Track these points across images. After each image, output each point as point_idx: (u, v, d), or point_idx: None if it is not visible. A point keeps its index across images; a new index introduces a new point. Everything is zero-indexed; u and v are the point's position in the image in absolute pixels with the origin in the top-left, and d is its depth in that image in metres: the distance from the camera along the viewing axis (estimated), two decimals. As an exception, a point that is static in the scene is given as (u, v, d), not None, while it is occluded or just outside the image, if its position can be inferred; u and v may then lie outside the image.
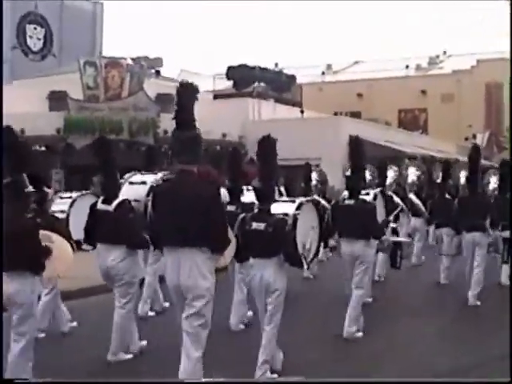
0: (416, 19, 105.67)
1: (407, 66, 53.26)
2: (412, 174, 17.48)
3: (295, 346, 8.67)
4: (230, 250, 7.29)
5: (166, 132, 25.24)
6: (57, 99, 26.26)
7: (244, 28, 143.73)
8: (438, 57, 56.39)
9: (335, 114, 41.41)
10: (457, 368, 8.03)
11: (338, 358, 8.69)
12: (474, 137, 44.24)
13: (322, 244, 10.66)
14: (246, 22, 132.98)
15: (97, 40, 49.29)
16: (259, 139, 7.69)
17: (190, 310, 6.38)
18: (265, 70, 35.22)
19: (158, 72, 31.69)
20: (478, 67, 48.44)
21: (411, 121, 50.63)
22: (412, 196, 16.33)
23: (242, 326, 10.04)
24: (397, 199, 14.80)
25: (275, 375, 7.68)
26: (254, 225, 7.59)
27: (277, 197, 8.44)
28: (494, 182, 14.22)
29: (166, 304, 10.71)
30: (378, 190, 11.47)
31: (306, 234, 7.91)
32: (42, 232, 7.16)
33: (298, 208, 7.85)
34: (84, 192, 11.49)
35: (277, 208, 7.78)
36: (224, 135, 27.10)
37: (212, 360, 6.63)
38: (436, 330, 10.24)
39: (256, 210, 7.88)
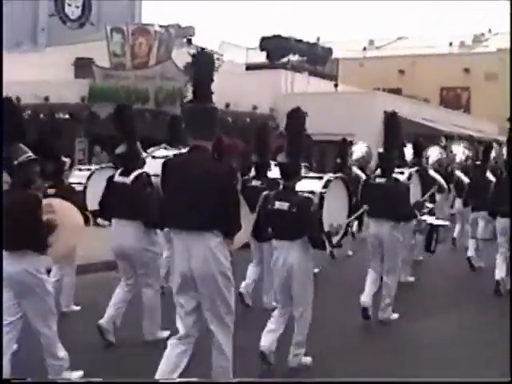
0: (444, 17, 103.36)
1: (451, 44, 52.02)
2: (460, 153, 17.16)
3: (320, 332, 8.32)
4: (242, 236, 6.83)
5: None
6: (83, 66, 25.85)
7: (287, 2, 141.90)
8: (483, 35, 54.95)
9: (376, 90, 40.11)
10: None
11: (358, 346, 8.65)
12: None
13: (357, 222, 10.34)
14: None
15: (136, 8, 48.73)
16: (288, 112, 7.37)
17: (210, 301, 6.00)
18: (300, 41, 34.16)
19: (189, 41, 30.97)
20: (523, 46, 46.93)
21: (453, 99, 49.41)
22: (459, 173, 15.88)
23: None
24: (439, 178, 14.86)
25: (309, 358, 7.52)
26: (277, 204, 7.20)
27: (306, 172, 8.36)
28: None
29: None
30: (414, 169, 11.06)
31: (334, 213, 7.67)
32: (45, 201, 6.74)
33: (325, 186, 7.63)
34: (103, 165, 11.13)
35: (303, 185, 7.46)
36: (254, 107, 26.28)
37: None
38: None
39: (280, 188, 7.45)
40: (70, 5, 45.79)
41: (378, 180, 9.61)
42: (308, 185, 7.60)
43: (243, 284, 9.97)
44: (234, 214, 6.02)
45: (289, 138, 7.39)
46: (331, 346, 8.31)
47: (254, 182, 9.85)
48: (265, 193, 7.54)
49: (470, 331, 9.37)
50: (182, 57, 27.14)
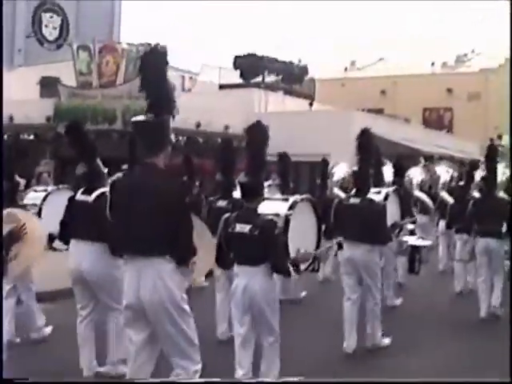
0: (444, 17, 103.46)
1: (433, 64, 51.83)
2: (444, 173, 16.90)
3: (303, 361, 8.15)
4: (206, 262, 6.48)
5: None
6: (48, 85, 25.10)
7: (266, 22, 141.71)
8: (465, 55, 54.76)
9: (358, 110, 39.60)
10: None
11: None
12: (500, 137, 42.75)
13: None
14: (269, 16, 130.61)
15: (114, 30, 48.19)
16: (247, 126, 6.84)
17: (165, 335, 5.42)
18: (275, 60, 33.39)
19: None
20: (506, 66, 46.64)
21: (436, 120, 49.41)
22: (444, 194, 15.44)
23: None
24: (425, 197, 14.90)
25: None
26: (238, 227, 6.66)
27: (281, 193, 8.59)
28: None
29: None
30: (392, 188, 10.75)
31: (302, 237, 7.28)
32: (7, 211, 6.61)
33: (291, 207, 7.24)
34: (61, 186, 10.63)
35: (267, 207, 7.01)
36: (226, 127, 25.39)
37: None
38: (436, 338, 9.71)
39: (241, 210, 6.91)
40: (47, 26, 44.80)
41: (351, 200, 9.12)
42: (273, 207, 7.18)
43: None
44: (185, 236, 5.40)
45: (248, 155, 6.81)
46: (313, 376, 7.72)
47: (220, 203, 9.34)
48: (226, 215, 6.98)
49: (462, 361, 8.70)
50: None
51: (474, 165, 14.76)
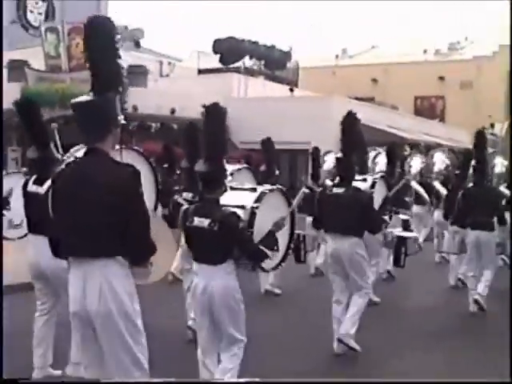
0: (437, 4, 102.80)
1: (425, 51, 50.99)
2: (439, 162, 16.56)
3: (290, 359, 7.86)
4: (166, 260, 5.70)
5: (135, 108, 23.01)
6: (16, 69, 24.01)
7: (258, 8, 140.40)
8: (459, 42, 54.01)
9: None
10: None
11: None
12: (492, 126, 42.26)
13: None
14: (259, 2, 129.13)
15: (101, 13, 47.03)
16: (205, 108, 5.98)
17: (110, 348, 4.59)
18: (255, 43, 32.20)
19: (137, 43, 29.23)
20: (500, 53, 46.02)
21: (428, 108, 48.73)
22: (437, 184, 14.90)
23: None
24: (420, 189, 14.69)
25: None
26: (196, 220, 5.91)
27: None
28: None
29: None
30: (379, 175, 10.15)
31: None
32: None
33: (258, 199, 6.30)
34: (11, 171, 9.81)
35: (231, 199, 6.17)
36: (203, 114, 24.26)
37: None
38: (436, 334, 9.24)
39: (200, 201, 6.19)
40: (32, 11, 43.96)
41: (335, 190, 8.40)
42: (238, 198, 6.29)
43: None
44: (143, 232, 4.57)
45: (206, 140, 6.05)
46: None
47: (185, 194, 8.38)
48: (184, 207, 6.27)
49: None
50: (125, 59, 25.80)
51: (468, 154, 13.55)
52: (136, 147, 7.07)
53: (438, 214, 14.35)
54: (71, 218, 4.57)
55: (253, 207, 6.17)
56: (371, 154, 14.00)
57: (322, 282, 11.93)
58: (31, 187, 6.97)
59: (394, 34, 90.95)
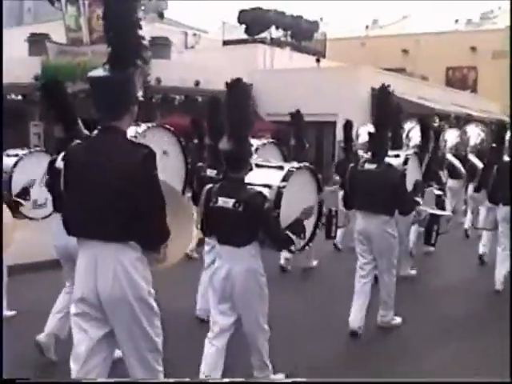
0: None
1: (457, 21, 49.99)
2: (474, 135, 16.38)
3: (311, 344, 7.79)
4: (182, 243, 5.28)
5: (159, 81, 22.68)
6: (37, 43, 23.74)
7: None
8: (492, 11, 52.71)
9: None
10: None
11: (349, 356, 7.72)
12: None
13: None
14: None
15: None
16: (228, 83, 5.85)
17: (125, 334, 4.52)
18: (282, 14, 31.37)
19: (161, 14, 28.76)
20: (533, 23, 44.74)
21: (460, 79, 47.60)
22: (472, 158, 15.00)
23: None
24: (457, 163, 14.84)
25: None
26: (221, 201, 5.78)
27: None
28: None
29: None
30: (412, 151, 9.89)
31: (298, 213, 6.14)
32: None
33: (285, 178, 6.11)
34: (33, 149, 9.67)
35: (257, 177, 6.05)
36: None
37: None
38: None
39: (225, 181, 6.05)
40: (58, -15, 43.72)
41: (366, 166, 8.20)
42: (264, 176, 6.12)
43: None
44: (155, 218, 4.46)
45: (230, 117, 5.84)
46: (322, 360, 7.30)
47: (209, 171, 8.24)
48: (208, 186, 6.07)
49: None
50: (148, 30, 25.36)
51: (503, 126, 13.45)
52: (168, 126, 7.17)
53: (471, 189, 14.09)
54: (82, 197, 4.46)
55: (279, 186, 5.97)
56: (406, 127, 13.70)
57: (343, 257, 12.00)
58: (60, 164, 6.55)
59: (425, 4, 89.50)
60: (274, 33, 30.67)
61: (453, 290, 10.88)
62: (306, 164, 6.73)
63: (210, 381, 5.75)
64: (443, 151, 15.11)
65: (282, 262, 11.61)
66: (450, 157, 15.10)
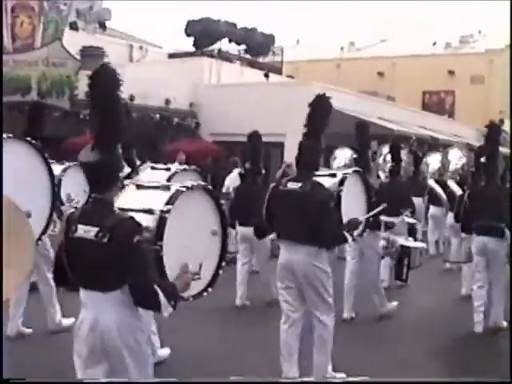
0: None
1: (434, 43, 48.88)
2: (455, 160, 15.78)
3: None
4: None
5: (87, 94, 20.85)
6: (-44, 52, 22.01)
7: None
8: (471, 36, 51.65)
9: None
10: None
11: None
12: (502, 122, 39.93)
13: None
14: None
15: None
16: (91, 75, 4.75)
17: None
18: (233, 25, 29.60)
19: (102, 25, 26.98)
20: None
21: (436, 104, 46.70)
22: (452, 184, 13.91)
23: None
24: (438, 189, 14.19)
25: None
26: (81, 229, 4.51)
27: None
28: None
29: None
30: (351, 170, 8.11)
31: (192, 247, 4.96)
32: None
33: (170, 201, 4.94)
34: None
35: (135, 200, 5.09)
36: (167, 101, 22.11)
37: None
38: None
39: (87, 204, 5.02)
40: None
41: (290, 185, 6.83)
42: (145, 200, 5.04)
43: None
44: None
45: (92, 118, 4.78)
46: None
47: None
48: (70, 211, 4.85)
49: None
50: (74, 39, 23.79)
51: (479, 150, 12.28)
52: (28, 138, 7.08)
53: (451, 217, 12.96)
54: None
55: (162, 211, 4.79)
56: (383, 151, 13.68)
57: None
58: None
59: (405, 27, 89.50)
60: (227, 46, 28.89)
61: (416, 332, 9.65)
62: (201, 183, 5.51)
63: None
64: (424, 176, 15.01)
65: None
66: (431, 182, 14.60)
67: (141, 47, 28.46)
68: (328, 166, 14.59)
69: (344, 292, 9.77)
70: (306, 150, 6.88)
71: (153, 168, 7.42)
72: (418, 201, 16.32)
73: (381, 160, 14.76)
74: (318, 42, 52.76)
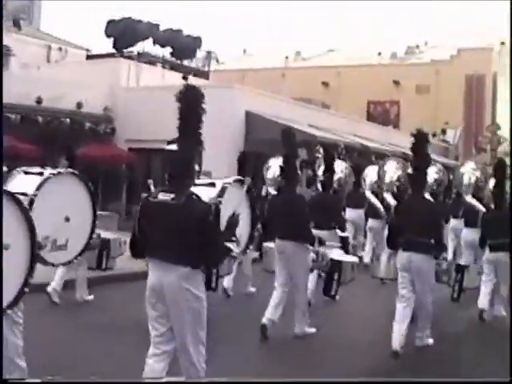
0: (399, 6, 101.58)
1: (380, 53, 48.50)
2: (391, 172, 14.70)
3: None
4: None
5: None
6: None
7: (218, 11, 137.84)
8: (417, 47, 51.47)
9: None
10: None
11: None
12: (444, 132, 39.69)
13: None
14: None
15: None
16: None
17: None
18: (156, 26, 28.53)
19: (17, 23, 25.64)
20: (458, 57, 43.71)
21: (381, 114, 46.40)
22: (387, 196, 13.49)
23: None
24: (375, 201, 14.21)
25: None
26: None
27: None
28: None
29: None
30: (232, 179, 7.63)
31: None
32: None
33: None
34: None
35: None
36: (79, 105, 20.72)
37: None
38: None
39: None
40: None
41: (160, 197, 5.87)
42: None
43: None
44: None
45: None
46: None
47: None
48: None
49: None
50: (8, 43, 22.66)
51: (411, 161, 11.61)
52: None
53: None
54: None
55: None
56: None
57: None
58: None
59: (351, 37, 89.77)
60: (148, 48, 27.81)
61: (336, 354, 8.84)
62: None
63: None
64: (363, 188, 14.83)
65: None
66: (368, 194, 14.46)
67: (60, 48, 27.35)
68: (261, 176, 14.35)
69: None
70: (179, 154, 5.97)
71: (26, 173, 6.73)
72: (358, 212, 16.14)
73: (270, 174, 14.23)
74: (264, 51, 52.38)
